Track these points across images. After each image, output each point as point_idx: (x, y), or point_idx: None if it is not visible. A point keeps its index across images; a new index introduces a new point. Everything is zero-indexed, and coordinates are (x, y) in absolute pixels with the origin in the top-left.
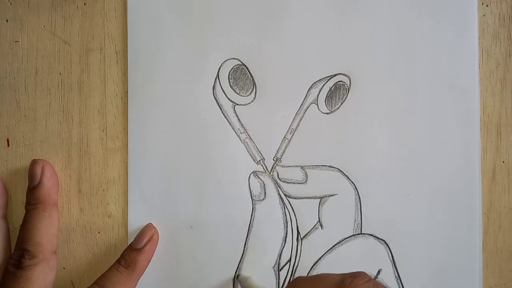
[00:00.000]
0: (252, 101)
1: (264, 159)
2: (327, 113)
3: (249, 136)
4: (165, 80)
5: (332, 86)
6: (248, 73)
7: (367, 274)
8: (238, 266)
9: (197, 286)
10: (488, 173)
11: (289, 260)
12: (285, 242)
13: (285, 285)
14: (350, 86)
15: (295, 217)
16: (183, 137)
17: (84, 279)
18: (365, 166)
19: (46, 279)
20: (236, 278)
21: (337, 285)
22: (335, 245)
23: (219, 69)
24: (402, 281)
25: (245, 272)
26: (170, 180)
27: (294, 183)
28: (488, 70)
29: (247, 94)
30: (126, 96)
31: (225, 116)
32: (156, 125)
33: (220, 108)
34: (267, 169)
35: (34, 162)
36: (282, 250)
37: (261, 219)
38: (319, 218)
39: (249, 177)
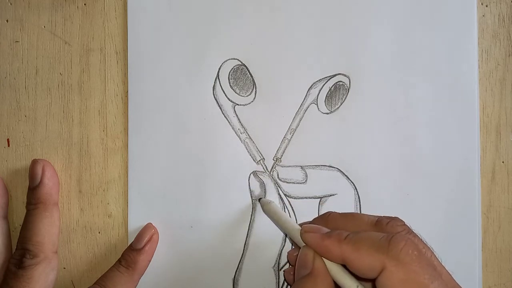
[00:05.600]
0: (252, 101)
1: (264, 159)
2: (327, 113)
3: (249, 136)
4: (165, 80)
5: (332, 86)
6: (248, 73)
7: (401, 219)
8: (238, 266)
9: (197, 286)
10: (488, 173)
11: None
12: (285, 242)
13: (284, 285)
14: (349, 86)
15: (295, 217)
16: (183, 137)
17: (84, 279)
18: (365, 166)
19: (47, 279)
20: (258, 201)
21: (373, 225)
22: None
23: (219, 69)
24: None
25: (245, 272)
26: (170, 180)
27: (294, 183)
28: (487, 70)
29: (247, 94)
30: (127, 96)
31: (225, 116)
32: (156, 125)
33: (220, 108)
34: (267, 169)
35: (34, 162)
36: (282, 250)
37: (261, 219)
38: None
39: (249, 177)
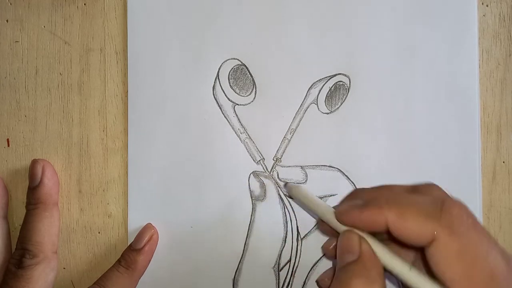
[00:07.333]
0: (252, 101)
1: (264, 159)
2: (327, 113)
3: (249, 136)
4: (165, 80)
5: (332, 86)
6: (248, 73)
7: (438, 185)
8: (238, 266)
9: (197, 286)
10: (489, 173)
11: (289, 260)
12: (285, 242)
13: (284, 286)
14: (349, 86)
15: (295, 217)
16: (183, 137)
17: (84, 279)
18: (365, 166)
19: (47, 279)
20: (284, 186)
21: (409, 192)
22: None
23: (219, 69)
24: None
25: (245, 272)
26: (170, 180)
27: (294, 183)
28: (488, 70)
29: (247, 94)
30: (126, 96)
31: (225, 116)
32: (156, 125)
33: (220, 108)
34: (267, 169)
35: (34, 162)
36: (282, 250)
37: (261, 219)
38: None
39: (249, 177)
